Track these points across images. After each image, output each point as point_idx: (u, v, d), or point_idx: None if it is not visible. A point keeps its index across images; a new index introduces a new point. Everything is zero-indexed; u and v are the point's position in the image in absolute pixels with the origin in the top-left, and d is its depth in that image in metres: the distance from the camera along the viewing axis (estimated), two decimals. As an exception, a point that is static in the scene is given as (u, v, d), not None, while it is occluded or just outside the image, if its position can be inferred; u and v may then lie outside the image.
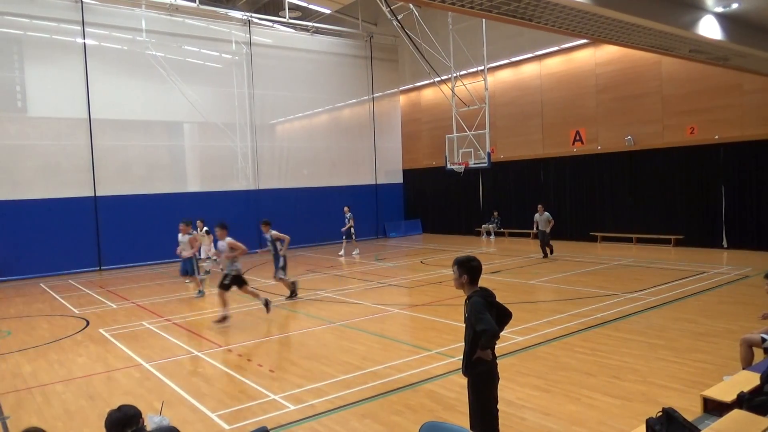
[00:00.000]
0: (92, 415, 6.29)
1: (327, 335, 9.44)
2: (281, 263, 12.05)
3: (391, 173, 27.21)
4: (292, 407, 6.20)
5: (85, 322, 11.03)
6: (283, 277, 12.22)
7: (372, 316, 10.56)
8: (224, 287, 10.25)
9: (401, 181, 27.60)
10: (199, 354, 8.55)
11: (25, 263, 17.55)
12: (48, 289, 15.46)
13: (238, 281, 10.41)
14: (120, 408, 3.37)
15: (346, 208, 20.02)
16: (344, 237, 20.15)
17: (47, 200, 17.94)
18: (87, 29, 18.69)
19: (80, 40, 18.59)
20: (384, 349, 8.38)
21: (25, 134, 17.85)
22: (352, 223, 19.91)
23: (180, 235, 13.40)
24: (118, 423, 3.27)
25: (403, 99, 27.96)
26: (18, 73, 17.81)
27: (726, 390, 5.15)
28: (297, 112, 24.12)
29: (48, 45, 18.25)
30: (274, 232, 11.90)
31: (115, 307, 12.64)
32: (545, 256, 17.08)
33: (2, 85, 17.54)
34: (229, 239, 10.40)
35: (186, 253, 13.27)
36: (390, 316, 10.63)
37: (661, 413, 4.32)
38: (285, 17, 22.52)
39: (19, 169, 17.63)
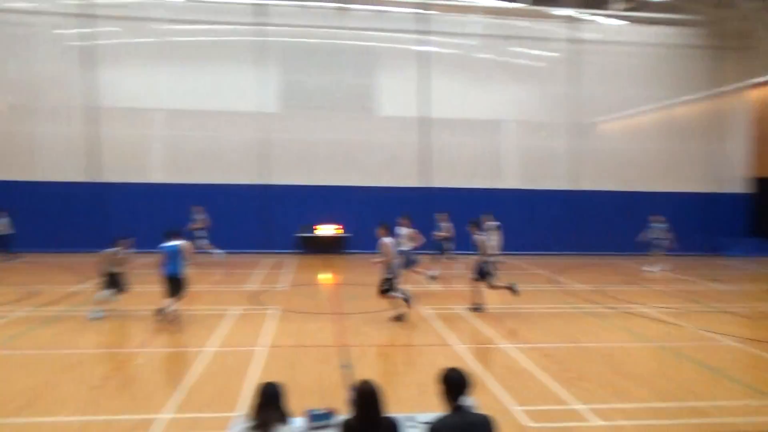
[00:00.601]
0: (411, 379, 7.11)
1: (642, 354, 8.69)
2: (487, 268, 11.22)
3: (733, 181, 23.21)
4: (597, 422, 5.92)
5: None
6: (488, 281, 11.33)
7: (697, 343, 9.28)
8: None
9: (746, 191, 23.33)
10: (504, 345, 8.82)
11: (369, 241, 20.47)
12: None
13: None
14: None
15: (657, 217, 17.87)
16: (656, 249, 17.86)
17: (388, 188, 20.65)
18: (427, 37, 20.89)
19: (420, 48, 20.88)
20: (710, 384, 7.29)
21: (371, 131, 21.00)
22: (664, 235, 17.59)
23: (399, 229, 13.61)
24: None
25: (756, 94, 23.48)
26: (369, 80, 21.11)
27: None
28: (621, 110, 22.54)
29: (394, 54, 21.13)
30: (479, 237, 11.40)
31: (441, 288, 13.94)
32: None
33: (357, 90, 21.03)
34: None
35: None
36: (721, 347, 9.17)
37: None
38: (615, 10, 21.24)
39: (365, 160, 20.80)
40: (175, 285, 9.90)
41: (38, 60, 19.10)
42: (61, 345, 8.61)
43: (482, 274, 11.17)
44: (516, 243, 19.58)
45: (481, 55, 21.35)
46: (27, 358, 7.98)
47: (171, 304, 9.87)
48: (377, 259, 10.32)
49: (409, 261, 12.91)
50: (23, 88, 19.24)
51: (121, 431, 5.57)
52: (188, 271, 10.22)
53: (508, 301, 12.13)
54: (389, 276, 10.20)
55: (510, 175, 21.78)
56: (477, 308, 11.20)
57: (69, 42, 19.47)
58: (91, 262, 13.60)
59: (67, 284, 13.44)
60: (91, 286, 12.31)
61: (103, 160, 19.30)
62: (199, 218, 17.10)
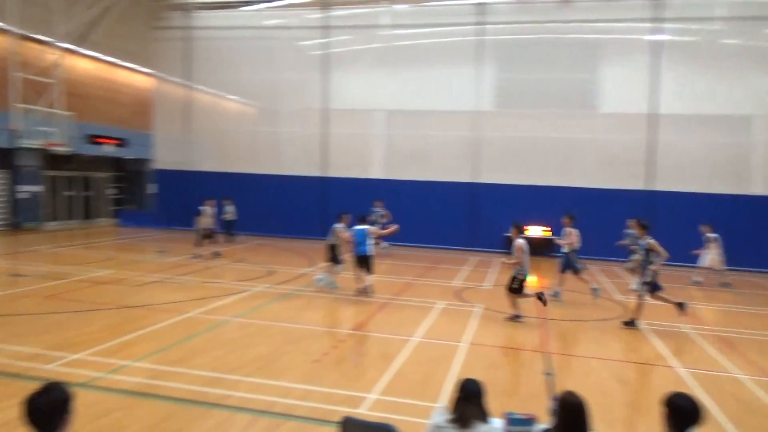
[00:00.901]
0: (621, 398, 6.56)
1: None
2: (648, 278, 9.93)
3: None
4: None
5: (622, 310, 11.53)
6: (641, 292, 10.09)
7: None
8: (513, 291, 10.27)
9: None
10: (738, 375, 7.63)
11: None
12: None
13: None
14: None
15: None
16: None
17: (605, 190, 19.15)
18: (661, 25, 18.83)
19: (652, 37, 18.91)
20: None
21: (590, 129, 19.67)
22: None
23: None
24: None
25: None
26: (590, 74, 19.80)
27: None
28: None
29: (619, 45, 19.54)
30: (651, 241, 9.90)
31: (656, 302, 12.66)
32: None
33: (576, 86, 19.81)
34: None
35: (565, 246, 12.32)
36: None
37: None
38: None
39: (581, 159, 19.60)
40: (364, 262, 11.69)
41: (284, 69, 21.89)
42: (289, 319, 9.79)
43: (654, 286, 9.98)
44: (763, 258, 16.95)
45: (726, 41, 18.55)
46: (263, 327, 9.24)
47: (366, 280, 11.69)
48: (509, 260, 10.40)
49: (567, 263, 12.17)
50: (271, 93, 22.27)
51: (337, 403, 6.12)
52: (374, 250, 11.98)
53: (745, 325, 10.49)
54: (519, 276, 10.15)
55: (761, 180, 18.57)
56: (681, 305, 10.05)
57: (310, 52, 21.99)
58: (314, 248, 15.20)
59: (297, 266, 15.20)
60: (316, 270, 13.77)
61: (330, 156, 21.40)
62: (380, 211, 17.98)
